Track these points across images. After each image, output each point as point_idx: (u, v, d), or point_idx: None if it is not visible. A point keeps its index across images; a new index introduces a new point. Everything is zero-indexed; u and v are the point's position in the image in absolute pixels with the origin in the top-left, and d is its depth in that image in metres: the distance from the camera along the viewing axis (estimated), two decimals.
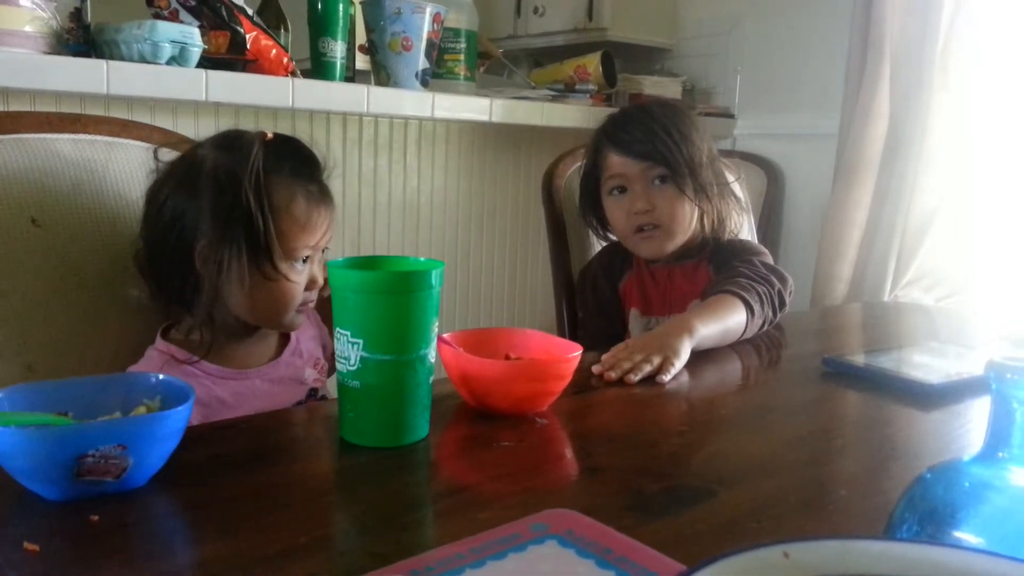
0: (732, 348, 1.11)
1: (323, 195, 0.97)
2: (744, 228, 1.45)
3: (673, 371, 0.96)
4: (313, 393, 1.02)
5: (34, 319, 0.93)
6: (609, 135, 1.26)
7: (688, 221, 1.25)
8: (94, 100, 1.50)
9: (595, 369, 0.96)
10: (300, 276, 0.95)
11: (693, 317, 1.06)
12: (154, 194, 0.94)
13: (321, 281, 0.98)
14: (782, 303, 1.20)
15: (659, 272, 1.31)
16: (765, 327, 1.17)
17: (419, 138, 2.09)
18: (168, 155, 0.96)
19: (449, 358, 0.83)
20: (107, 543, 0.54)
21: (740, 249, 1.28)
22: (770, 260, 1.26)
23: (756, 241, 1.57)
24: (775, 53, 2.43)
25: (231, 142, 0.93)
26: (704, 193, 1.23)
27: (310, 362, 1.03)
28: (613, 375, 0.94)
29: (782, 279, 1.21)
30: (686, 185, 1.21)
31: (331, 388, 1.05)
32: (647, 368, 0.95)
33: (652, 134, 1.21)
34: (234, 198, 0.88)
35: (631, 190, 1.24)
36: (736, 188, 1.36)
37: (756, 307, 1.13)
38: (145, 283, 0.96)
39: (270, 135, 0.94)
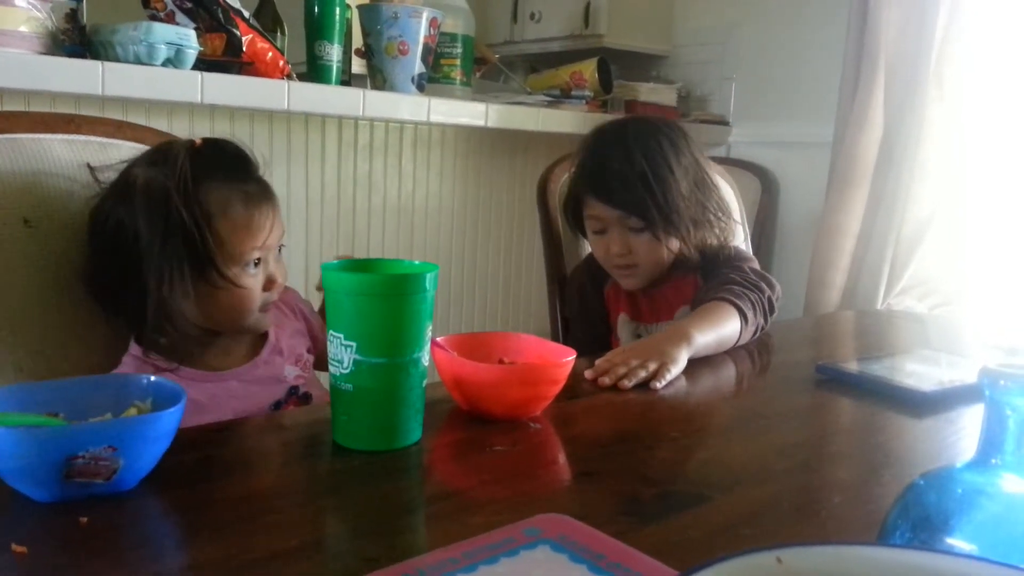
0: (726, 354, 1.12)
1: (263, 194, 0.95)
2: (739, 238, 1.45)
3: (669, 377, 0.96)
4: (294, 390, 1.01)
5: (25, 319, 0.93)
6: (588, 182, 1.25)
7: (666, 258, 1.25)
8: (89, 101, 1.50)
9: (588, 374, 0.96)
10: (253, 279, 0.94)
11: (690, 326, 1.06)
12: (96, 215, 0.93)
13: (281, 280, 0.97)
14: (772, 309, 1.20)
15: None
16: (757, 334, 1.18)
17: (415, 142, 2.09)
18: (102, 173, 0.95)
19: (443, 362, 0.83)
20: (96, 545, 0.54)
21: (729, 256, 1.28)
22: (758, 266, 1.26)
23: (749, 248, 1.57)
24: (770, 61, 2.44)
25: (160, 156, 0.92)
26: (679, 233, 1.22)
27: (291, 359, 1.02)
28: (607, 380, 0.94)
29: (771, 285, 1.21)
30: (659, 232, 1.21)
31: (319, 384, 1.05)
32: (642, 374, 0.95)
33: (629, 185, 1.20)
34: (166, 211, 0.87)
35: (609, 232, 1.24)
36: (730, 199, 1.35)
37: (749, 314, 1.13)
38: (97, 304, 0.95)
39: (199, 141, 0.93)
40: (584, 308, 1.37)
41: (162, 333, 0.92)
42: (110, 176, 0.95)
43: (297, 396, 1.00)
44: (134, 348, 0.95)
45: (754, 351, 1.16)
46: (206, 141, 0.94)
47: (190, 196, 0.88)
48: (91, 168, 0.96)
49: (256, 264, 0.94)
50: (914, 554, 0.37)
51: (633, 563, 0.50)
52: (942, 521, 0.46)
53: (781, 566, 0.36)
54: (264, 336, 1.02)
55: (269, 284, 0.96)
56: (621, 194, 1.21)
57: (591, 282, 1.36)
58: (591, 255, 1.40)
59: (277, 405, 0.99)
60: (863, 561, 0.36)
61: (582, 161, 1.28)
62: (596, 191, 1.24)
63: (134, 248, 0.88)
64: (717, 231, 1.27)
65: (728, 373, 1.07)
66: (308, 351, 1.06)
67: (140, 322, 0.93)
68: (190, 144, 0.92)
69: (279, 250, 0.98)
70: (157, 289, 0.88)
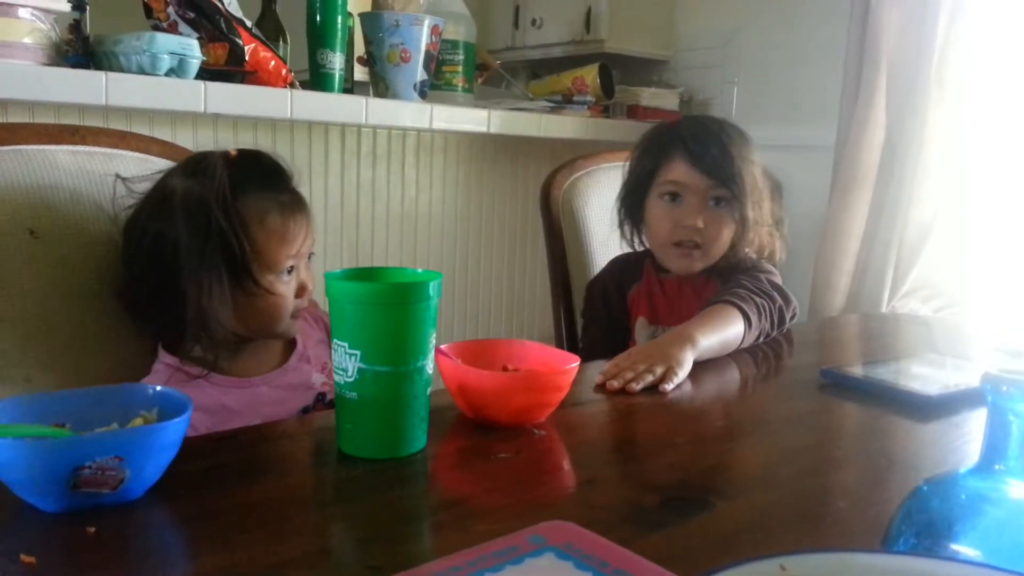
0: (730, 358, 1.12)
1: (296, 204, 0.97)
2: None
3: (676, 380, 0.97)
4: (321, 397, 1.02)
5: (31, 331, 0.93)
6: (685, 141, 1.23)
7: (727, 247, 1.24)
8: (93, 112, 1.51)
9: (597, 379, 0.96)
10: (287, 287, 0.96)
11: (693, 328, 1.06)
12: (131, 228, 0.95)
13: (311, 287, 0.99)
14: (781, 320, 1.20)
15: (668, 283, 1.31)
16: (761, 339, 1.18)
17: (417, 149, 2.09)
18: (135, 184, 0.97)
19: (447, 369, 0.83)
20: (103, 555, 0.54)
21: (750, 266, 1.27)
22: (778, 280, 1.26)
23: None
24: (772, 65, 2.44)
25: (196, 166, 0.94)
26: (751, 227, 1.22)
27: (318, 366, 1.03)
28: (616, 384, 0.94)
29: (785, 298, 1.21)
30: (740, 214, 1.20)
31: None
32: (649, 377, 0.95)
33: (728, 156, 1.20)
34: (206, 221, 0.89)
35: (686, 201, 1.22)
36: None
37: (753, 318, 1.13)
38: (130, 317, 0.96)
39: (234, 153, 0.94)
40: (607, 311, 1.36)
41: (197, 341, 0.93)
42: (143, 187, 0.96)
43: (324, 404, 1.02)
44: (166, 357, 0.96)
45: (758, 355, 1.16)
46: (241, 152, 0.96)
47: (229, 206, 0.90)
48: (122, 179, 0.97)
49: (289, 272, 0.96)
50: (918, 561, 0.37)
51: (638, 570, 0.50)
52: (946, 527, 0.46)
53: (784, 573, 0.36)
54: (292, 344, 1.03)
55: (301, 291, 0.98)
56: (717, 162, 1.20)
57: (616, 287, 1.36)
58: (613, 262, 1.41)
59: (305, 411, 1.00)
60: (866, 568, 0.37)
61: (677, 131, 1.26)
62: (690, 153, 1.21)
63: (172, 258, 0.90)
64: (776, 239, 1.27)
65: (732, 378, 1.07)
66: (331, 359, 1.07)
67: (175, 332, 0.94)
68: (226, 155, 0.94)
69: (308, 258, 1.00)
70: (196, 297, 0.89)
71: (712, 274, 1.28)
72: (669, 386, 0.95)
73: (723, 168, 1.20)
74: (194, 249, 0.89)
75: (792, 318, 1.23)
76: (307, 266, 1.00)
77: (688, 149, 1.22)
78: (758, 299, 1.16)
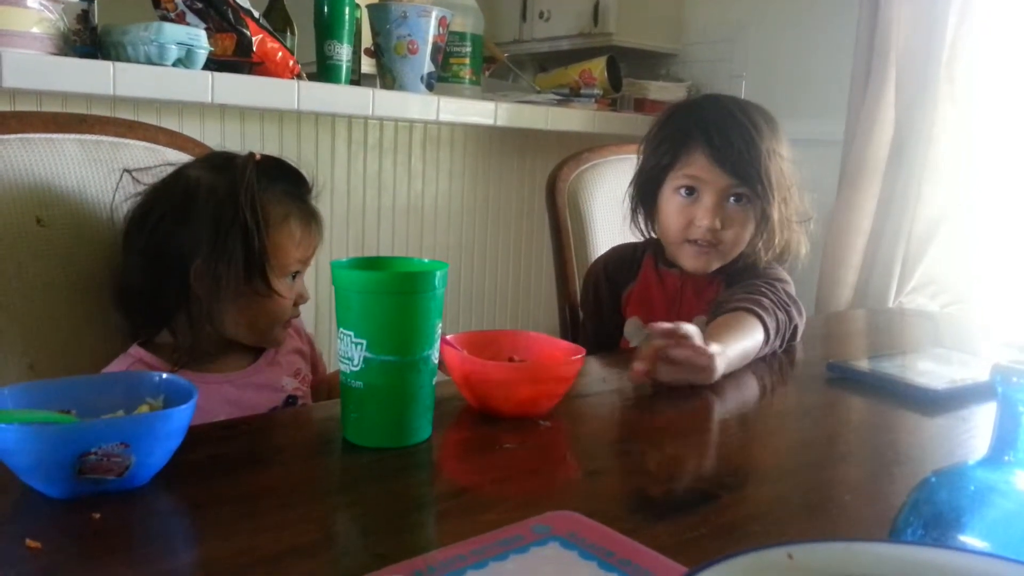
0: None
1: (313, 214, 1.00)
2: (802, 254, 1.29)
3: (713, 377, 0.92)
4: (292, 400, 1.01)
5: (37, 318, 0.94)
6: (705, 134, 1.13)
7: (744, 246, 1.17)
8: (100, 101, 1.51)
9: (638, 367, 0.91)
10: (290, 291, 0.97)
11: (720, 340, 0.97)
12: (140, 219, 0.94)
13: (307, 297, 1.01)
14: (792, 338, 1.14)
15: (670, 279, 1.24)
16: (766, 355, 1.11)
17: (424, 141, 2.09)
18: (141, 176, 0.97)
19: (452, 360, 0.83)
20: (109, 541, 0.54)
21: (763, 268, 1.19)
22: (792, 290, 1.18)
23: None
24: (780, 59, 2.43)
25: (223, 162, 0.95)
26: (776, 228, 1.13)
27: (289, 371, 1.02)
28: (658, 341, 0.90)
29: (800, 313, 1.15)
30: (763, 214, 1.12)
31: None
32: (688, 355, 0.91)
33: (754, 150, 1.11)
34: (233, 213, 0.90)
35: (703, 198, 1.14)
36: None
37: (772, 335, 1.07)
38: (122, 308, 0.96)
39: (259, 156, 0.95)
40: (597, 307, 1.32)
41: (185, 338, 0.93)
42: (149, 179, 0.97)
43: (295, 408, 1.00)
44: (133, 348, 0.95)
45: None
46: (266, 157, 0.97)
47: (256, 201, 0.91)
48: (129, 172, 0.97)
49: (293, 277, 0.97)
50: (925, 551, 0.37)
51: (643, 560, 0.50)
52: (954, 518, 0.46)
53: (792, 562, 0.36)
54: (261, 350, 1.02)
55: (298, 299, 0.99)
56: (741, 160, 1.11)
57: (608, 283, 1.30)
58: (612, 252, 1.34)
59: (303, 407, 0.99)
60: (874, 557, 0.36)
61: (697, 120, 1.15)
62: (711, 147, 1.11)
63: (188, 250, 0.90)
64: (790, 246, 1.19)
65: (739, 371, 1.07)
66: (304, 368, 1.06)
67: (159, 327, 0.94)
68: (252, 156, 0.95)
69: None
70: (213, 289, 0.90)
71: (718, 273, 1.20)
72: (712, 378, 0.91)
73: (747, 164, 1.11)
74: (217, 240, 0.89)
75: (800, 332, 1.17)
76: (302, 277, 1.01)
77: (710, 141, 1.12)
78: (780, 314, 1.09)
